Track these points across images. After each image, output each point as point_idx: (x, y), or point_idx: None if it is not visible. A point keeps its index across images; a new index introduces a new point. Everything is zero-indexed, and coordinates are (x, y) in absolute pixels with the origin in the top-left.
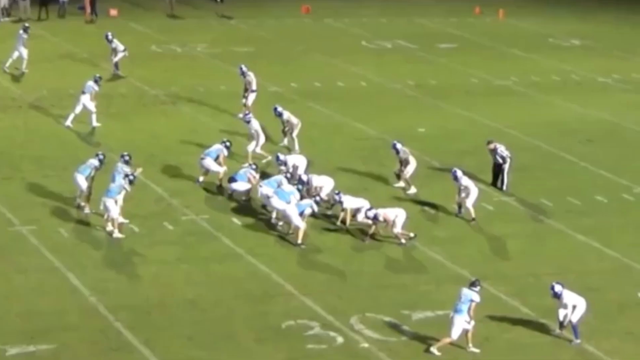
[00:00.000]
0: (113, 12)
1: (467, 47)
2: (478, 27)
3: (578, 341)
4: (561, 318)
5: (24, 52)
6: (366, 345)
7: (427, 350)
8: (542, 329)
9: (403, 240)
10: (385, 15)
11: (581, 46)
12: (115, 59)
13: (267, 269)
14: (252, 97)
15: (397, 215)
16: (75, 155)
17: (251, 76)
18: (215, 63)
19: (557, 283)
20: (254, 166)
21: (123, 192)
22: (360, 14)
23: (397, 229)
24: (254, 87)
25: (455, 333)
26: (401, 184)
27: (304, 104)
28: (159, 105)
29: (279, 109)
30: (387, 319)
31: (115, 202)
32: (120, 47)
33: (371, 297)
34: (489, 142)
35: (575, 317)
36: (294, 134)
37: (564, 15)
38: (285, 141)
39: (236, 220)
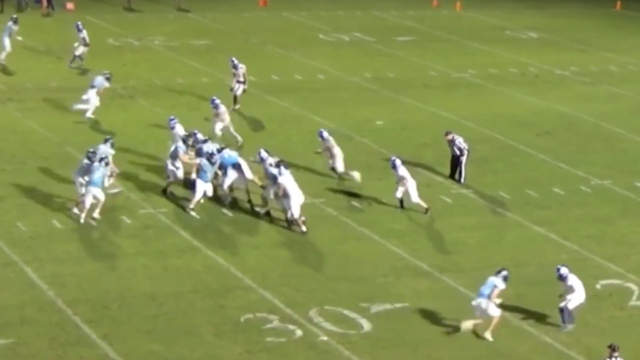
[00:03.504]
0: (70, 5)
1: (424, 40)
2: (436, 20)
3: (569, 327)
4: (562, 305)
5: (8, 44)
6: (325, 338)
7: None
8: (501, 321)
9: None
10: (343, 8)
11: (538, 39)
12: (78, 53)
13: (225, 263)
14: (241, 88)
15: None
16: (33, 149)
17: (243, 69)
18: (173, 56)
19: (563, 265)
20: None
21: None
22: (318, 7)
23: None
24: (242, 78)
25: (496, 311)
26: (344, 176)
27: (262, 97)
28: (116, 99)
29: (216, 101)
30: (345, 311)
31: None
32: (86, 39)
33: (330, 290)
34: (447, 134)
35: (572, 304)
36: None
37: (521, 8)
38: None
39: (194, 214)
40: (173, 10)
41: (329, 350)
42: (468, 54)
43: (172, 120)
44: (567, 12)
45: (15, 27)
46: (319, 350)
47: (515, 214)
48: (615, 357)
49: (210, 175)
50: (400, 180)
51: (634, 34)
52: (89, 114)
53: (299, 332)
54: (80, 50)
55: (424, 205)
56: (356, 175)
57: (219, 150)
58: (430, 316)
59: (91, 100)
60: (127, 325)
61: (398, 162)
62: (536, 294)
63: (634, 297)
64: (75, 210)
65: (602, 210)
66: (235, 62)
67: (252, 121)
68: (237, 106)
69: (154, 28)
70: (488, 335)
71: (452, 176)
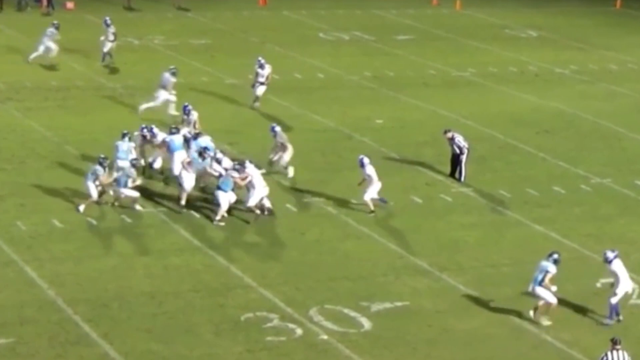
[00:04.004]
0: (70, 4)
1: (424, 39)
2: (435, 19)
3: (610, 321)
4: (612, 299)
5: (53, 47)
6: (325, 337)
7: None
8: (501, 319)
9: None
10: (342, 7)
11: (538, 37)
12: (106, 49)
13: (225, 262)
14: (263, 88)
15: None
16: (32, 148)
17: (269, 70)
18: (173, 55)
19: (611, 250)
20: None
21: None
22: (317, 6)
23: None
24: (265, 80)
25: (552, 297)
26: (281, 169)
27: (262, 96)
28: (116, 98)
29: (188, 107)
30: (345, 310)
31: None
32: (115, 35)
33: (330, 289)
34: (446, 132)
35: (615, 298)
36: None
37: (521, 7)
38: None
39: (194, 213)
40: (172, 9)
41: (329, 349)
42: (467, 53)
43: (186, 106)
44: (566, 11)
45: (56, 32)
46: (319, 349)
47: (515, 212)
48: (617, 350)
49: (229, 186)
50: (368, 178)
51: (634, 32)
52: (172, 112)
53: (299, 331)
54: (108, 46)
55: (371, 207)
56: (291, 171)
57: (195, 137)
58: (430, 315)
59: (160, 99)
60: (127, 324)
61: (366, 160)
62: None
63: (634, 296)
64: (81, 208)
65: (602, 209)
66: (262, 62)
67: (251, 120)
68: (257, 104)
69: (153, 27)
70: (544, 320)
71: (452, 175)
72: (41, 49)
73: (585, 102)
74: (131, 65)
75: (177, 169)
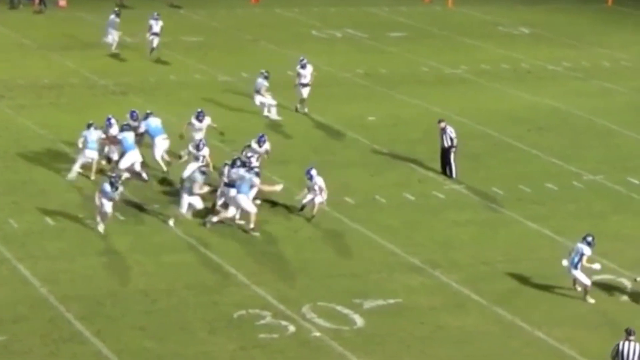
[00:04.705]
0: (62, 2)
1: (417, 36)
2: (428, 16)
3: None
4: None
5: (115, 34)
6: (318, 334)
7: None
8: (494, 317)
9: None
10: (335, 4)
11: (530, 34)
12: (154, 44)
13: (218, 259)
14: (307, 90)
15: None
16: (26, 146)
17: (311, 69)
18: (166, 53)
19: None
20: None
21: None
22: (310, 3)
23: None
24: (308, 80)
25: (586, 280)
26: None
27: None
28: (109, 96)
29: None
30: (338, 307)
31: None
32: (159, 30)
33: (323, 286)
34: (440, 121)
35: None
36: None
37: (513, 4)
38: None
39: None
40: (165, 6)
41: (322, 346)
42: (460, 50)
43: (200, 113)
44: (559, 8)
45: (117, 20)
46: (312, 346)
47: (508, 209)
48: (630, 341)
49: (246, 187)
50: (318, 189)
51: (627, 29)
52: (274, 117)
53: (291, 328)
54: (155, 41)
55: (313, 213)
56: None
57: (145, 117)
58: (424, 312)
59: (267, 102)
60: (121, 322)
61: (314, 172)
62: (529, 289)
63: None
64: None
65: (595, 206)
66: (305, 61)
67: (245, 118)
68: (306, 109)
69: (146, 24)
70: (589, 299)
71: (443, 171)
72: (110, 38)
73: (579, 99)
74: (123, 62)
75: (123, 165)
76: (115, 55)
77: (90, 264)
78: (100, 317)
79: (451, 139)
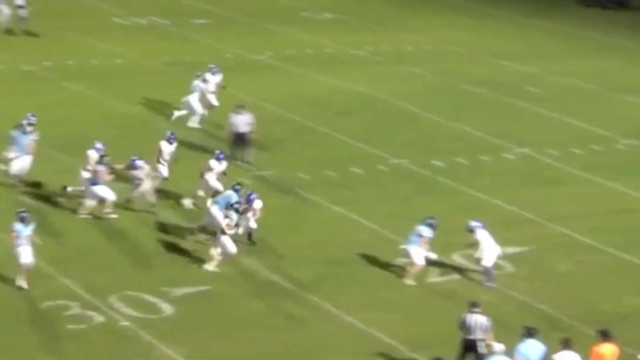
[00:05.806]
0: None
1: (221, 23)
2: (231, 2)
3: (492, 284)
4: None
5: None
6: (126, 323)
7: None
8: (305, 301)
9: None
10: None
11: (334, 19)
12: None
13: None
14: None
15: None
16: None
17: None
18: None
19: (475, 220)
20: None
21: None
22: None
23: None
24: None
25: (420, 259)
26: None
27: (58, 83)
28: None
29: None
30: (146, 296)
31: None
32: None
33: (130, 276)
34: (237, 107)
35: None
36: None
37: None
38: None
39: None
40: None
41: (131, 335)
42: (264, 36)
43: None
44: None
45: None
46: (120, 335)
47: (314, 194)
48: (474, 312)
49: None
50: (136, 179)
51: (427, 14)
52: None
53: (99, 318)
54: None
55: (154, 199)
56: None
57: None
58: (233, 299)
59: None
60: None
61: (140, 162)
62: (335, 273)
63: (436, 274)
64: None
65: (401, 189)
66: (215, 69)
67: (48, 107)
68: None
69: None
70: (409, 281)
71: (234, 156)
72: None
73: (382, 83)
74: None
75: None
76: None
77: None
78: None
79: (247, 125)
